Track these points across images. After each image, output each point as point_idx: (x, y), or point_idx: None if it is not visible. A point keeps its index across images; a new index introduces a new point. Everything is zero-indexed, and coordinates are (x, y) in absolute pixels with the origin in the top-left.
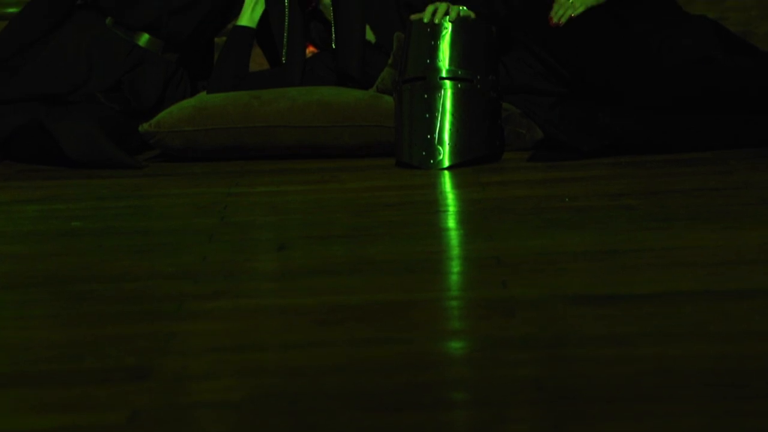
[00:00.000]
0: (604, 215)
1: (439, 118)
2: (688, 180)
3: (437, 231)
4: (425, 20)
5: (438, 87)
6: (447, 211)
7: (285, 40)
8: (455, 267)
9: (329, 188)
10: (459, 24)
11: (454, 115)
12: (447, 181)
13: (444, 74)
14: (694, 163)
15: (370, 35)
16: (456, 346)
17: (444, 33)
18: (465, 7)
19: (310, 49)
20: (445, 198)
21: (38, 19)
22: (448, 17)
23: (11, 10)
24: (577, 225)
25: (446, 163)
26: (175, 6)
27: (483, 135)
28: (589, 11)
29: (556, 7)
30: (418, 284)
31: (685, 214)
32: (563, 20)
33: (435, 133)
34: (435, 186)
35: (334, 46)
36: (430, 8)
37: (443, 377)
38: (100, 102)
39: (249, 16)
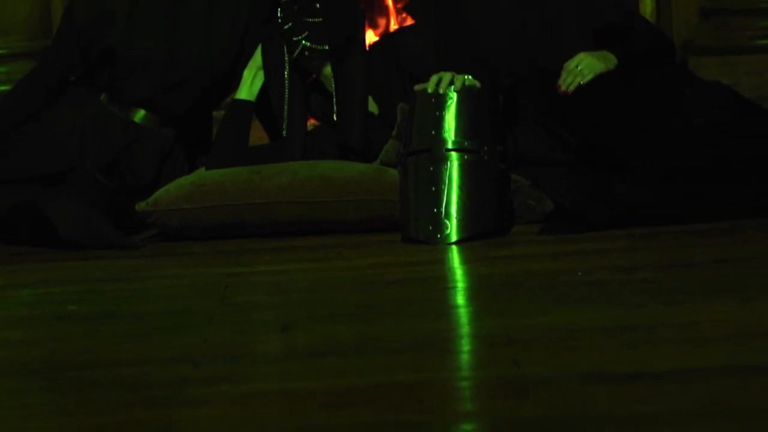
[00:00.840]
0: (619, 289)
1: (445, 191)
2: (704, 251)
3: (446, 308)
4: (429, 90)
5: (444, 159)
6: (455, 287)
7: (285, 113)
8: (465, 345)
9: (333, 265)
10: (464, 94)
11: (461, 187)
12: (455, 256)
13: (450, 146)
14: (710, 234)
15: (372, 107)
16: (468, 428)
17: (449, 103)
18: (470, 77)
19: (312, 122)
20: (454, 274)
21: (31, 97)
22: (452, 87)
23: (2, 87)
24: (590, 300)
25: (454, 238)
26: (171, 81)
27: (491, 208)
28: (598, 78)
29: (564, 74)
30: (427, 364)
31: (702, 286)
32: (572, 88)
33: (442, 206)
34: (442, 261)
35: (335, 119)
36: (434, 78)
37: None
38: (95, 180)
39: (248, 89)
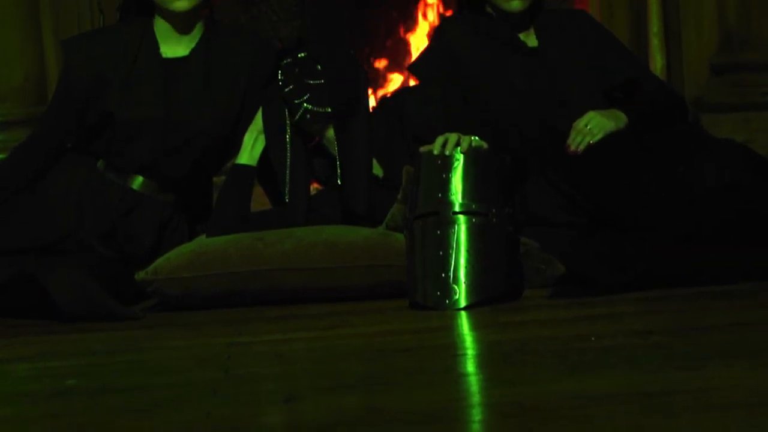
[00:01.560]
0: (633, 355)
1: (453, 256)
2: (721, 315)
3: (456, 377)
4: (435, 152)
5: (451, 222)
6: (465, 354)
7: (287, 177)
8: (476, 415)
9: (339, 333)
10: (471, 155)
11: (469, 251)
12: (464, 322)
13: (457, 208)
14: (727, 296)
15: (377, 169)
16: None
17: (456, 165)
18: (477, 137)
19: (315, 186)
20: (463, 341)
21: (27, 165)
22: (459, 148)
23: None
24: (604, 366)
25: (463, 303)
26: (170, 145)
27: (501, 272)
28: (608, 138)
29: (573, 134)
30: None
31: (719, 351)
32: (581, 148)
33: (450, 271)
34: (451, 328)
35: (339, 183)
36: (440, 139)
37: None
38: (93, 249)
39: (249, 153)
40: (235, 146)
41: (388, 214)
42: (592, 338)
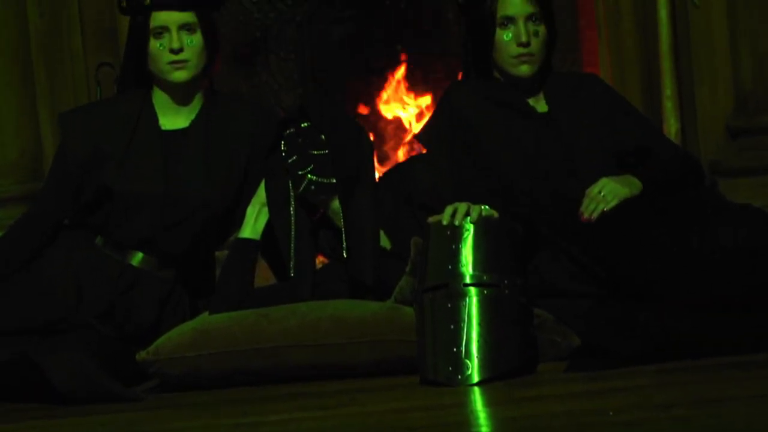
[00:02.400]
0: (655, 429)
1: (465, 329)
2: (743, 386)
3: None
4: (444, 222)
5: (462, 295)
6: None
7: (292, 251)
8: None
9: (349, 412)
10: (481, 225)
11: (481, 324)
12: (477, 398)
13: (468, 280)
14: (748, 367)
15: (384, 241)
16: None
17: (466, 235)
18: (487, 207)
19: (320, 260)
20: (477, 418)
21: (23, 244)
22: (469, 218)
23: None
24: None
25: (475, 379)
26: (170, 220)
27: (514, 345)
28: (622, 204)
29: (586, 201)
30: None
31: (743, 424)
32: (595, 215)
33: (461, 345)
34: (464, 404)
35: (345, 256)
36: (449, 209)
37: None
38: (92, 329)
39: (251, 227)
40: (238, 220)
41: (397, 287)
42: (611, 412)
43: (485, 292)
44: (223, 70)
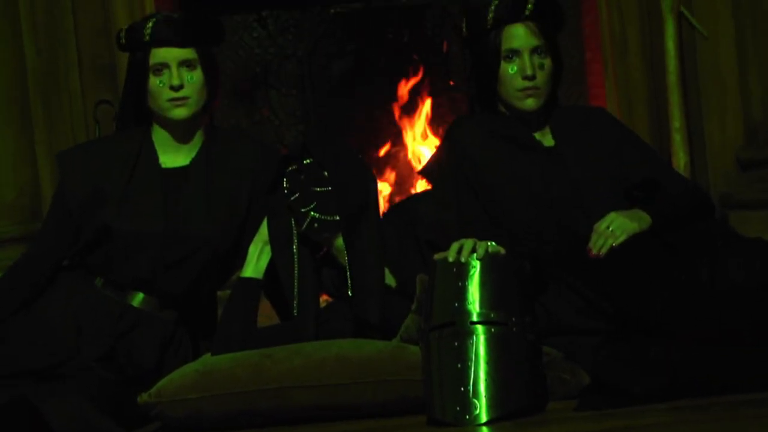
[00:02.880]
0: None
1: (472, 368)
2: (759, 424)
3: None
4: (450, 259)
5: (469, 333)
6: None
7: (295, 290)
8: None
9: None
10: (488, 261)
11: (489, 363)
12: None
13: (475, 318)
14: (762, 404)
15: (389, 279)
16: None
17: (472, 272)
18: (494, 243)
19: (324, 299)
20: None
21: (22, 286)
22: (475, 255)
23: None
24: None
25: (484, 418)
26: (170, 259)
27: (523, 384)
28: (631, 239)
29: (594, 237)
30: None
31: None
32: (603, 251)
33: (469, 384)
34: None
35: (350, 294)
36: (454, 246)
37: None
38: (93, 372)
39: (254, 266)
40: (240, 258)
41: (402, 325)
42: None
43: (493, 330)
44: (224, 106)
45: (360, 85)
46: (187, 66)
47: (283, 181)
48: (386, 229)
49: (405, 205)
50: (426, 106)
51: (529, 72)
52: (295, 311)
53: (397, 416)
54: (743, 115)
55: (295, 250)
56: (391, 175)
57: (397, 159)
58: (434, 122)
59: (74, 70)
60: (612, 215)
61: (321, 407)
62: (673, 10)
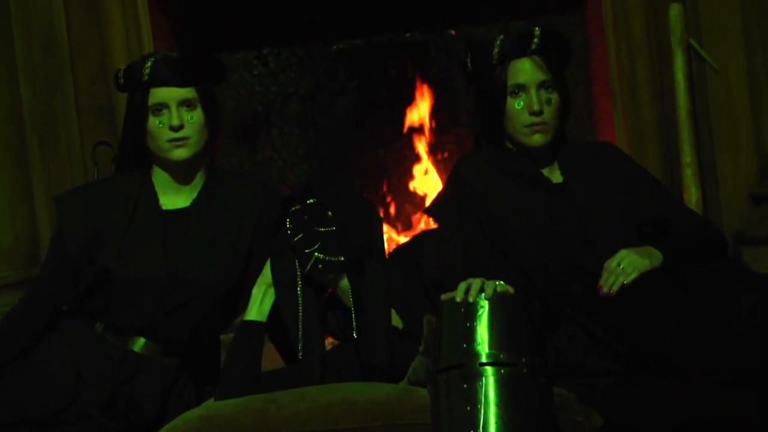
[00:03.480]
0: None
1: (482, 411)
2: None
3: None
4: (458, 299)
5: (478, 375)
6: None
7: (300, 333)
8: None
9: None
10: (497, 301)
11: (499, 405)
12: None
13: (484, 359)
14: None
15: (396, 320)
16: None
17: (480, 312)
18: (502, 282)
19: (330, 341)
20: None
21: (21, 332)
22: (483, 294)
23: None
24: None
25: None
26: (172, 304)
27: (535, 426)
28: (642, 277)
29: (605, 274)
30: None
31: None
32: (614, 289)
33: (479, 428)
34: None
35: (356, 336)
36: (462, 286)
37: None
38: (93, 420)
39: (257, 309)
40: (243, 301)
41: (410, 368)
42: None
43: (502, 371)
44: (225, 146)
45: (364, 123)
46: (187, 106)
47: (286, 221)
48: (392, 269)
49: (410, 244)
50: (431, 143)
51: (536, 107)
52: (300, 354)
53: None
54: (756, 149)
55: (299, 292)
56: (396, 214)
57: (403, 197)
58: (439, 159)
59: (72, 112)
60: (623, 252)
61: None
62: (681, 42)
